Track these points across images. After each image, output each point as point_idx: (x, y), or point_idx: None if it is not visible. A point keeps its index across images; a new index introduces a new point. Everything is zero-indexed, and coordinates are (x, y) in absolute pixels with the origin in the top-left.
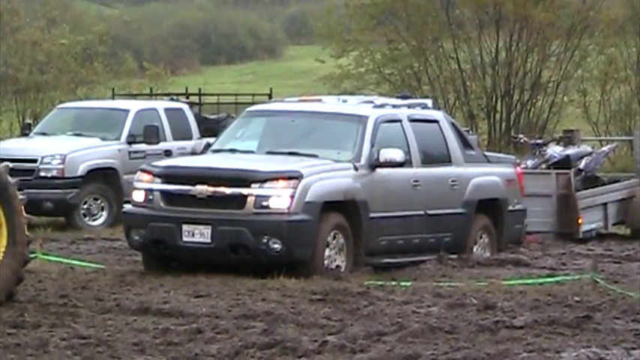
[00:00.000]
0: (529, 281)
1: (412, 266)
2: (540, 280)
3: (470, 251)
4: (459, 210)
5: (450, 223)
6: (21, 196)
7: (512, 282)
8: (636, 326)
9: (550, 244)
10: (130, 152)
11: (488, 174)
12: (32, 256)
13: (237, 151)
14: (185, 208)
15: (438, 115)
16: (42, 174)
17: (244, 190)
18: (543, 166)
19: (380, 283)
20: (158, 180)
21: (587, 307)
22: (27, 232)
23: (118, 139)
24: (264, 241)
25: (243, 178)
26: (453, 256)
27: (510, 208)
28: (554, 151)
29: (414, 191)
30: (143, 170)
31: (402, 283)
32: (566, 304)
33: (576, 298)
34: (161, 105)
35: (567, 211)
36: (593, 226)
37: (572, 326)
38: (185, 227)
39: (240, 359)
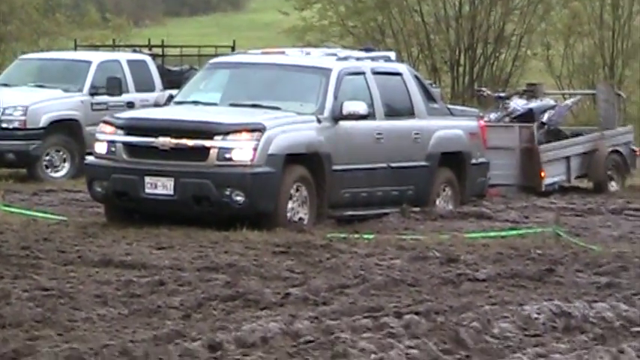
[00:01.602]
0: (492, 234)
1: (375, 219)
2: (503, 233)
3: (433, 204)
4: (422, 163)
5: (413, 175)
6: None
7: (474, 235)
8: (598, 279)
9: (513, 198)
10: (92, 104)
11: (451, 127)
12: None
13: (200, 103)
14: (148, 160)
15: (401, 67)
16: (4, 125)
17: (207, 143)
18: (506, 119)
19: (343, 235)
20: (121, 132)
21: (549, 261)
22: None
23: (81, 90)
24: (227, 193)
25: (205, 130)
26: (416, 209)
27: (473, 161)
28: (518, 104)
29: (377, 144)
30: (105, 122)
31: (365, 236)
32: (529, 258)
33: (539, 252)
34: (124, 56)
35: (530, 165)
36: (555, 179)
37: (535, 279)
38: (148, 179)
39: (203, 311)
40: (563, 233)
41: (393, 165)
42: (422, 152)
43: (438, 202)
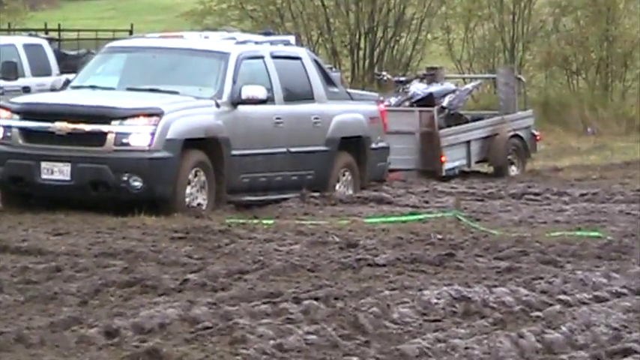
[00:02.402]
0: (392, 219)
1: (274, 204)
2: (403, 218)
3: (332, 189)
4: (322, 147)
5: (312, 160)
6: None
7: (374, 220)
8: (498, 264)
9: (413, 182)
10: None
11: (351, 111)
12: None
13: (98, 87)
14: (44, 145)
15: (301, 52)
16: None
17: (104, 127)
18: (407, 103)
19: (242, 221)
20: (16, 117)
21: (449, 245)
22: None
23: None
24: (125, 178)
25: (103, 115)
26: (316, 194)
27: (373, 145)
28: (418, 88)
29: (276, 129)
30: (1, 107)
31: (264, 221)
32: (429, 242)
33: (439, 236)
34: (19, 40)
35: (430, 149)
36: (456, 163)
37: (435, 264)
38: (44, 165)
39: (100, 297)
40: (463, 218)
41: (293, 150)
42: (321, 137)
43: (337, 187)
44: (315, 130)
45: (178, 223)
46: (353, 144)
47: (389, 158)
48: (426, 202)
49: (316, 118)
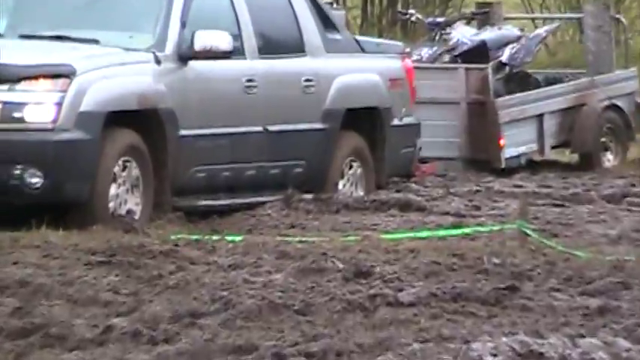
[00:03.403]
0: (423, 234)
1: (245, 211)
2: (441, 233)
3: (334, 188)
4: (317, 125)
5: (302, 144)
6: None
7: (397, 235)
8: (585, 302)
9: (456, 178)
10: None
11: (361, 70)
12: None
13: None
14: None
15: None
16: None
17: None
18: (446, 57)
19: (195, 237)
20: None
21: (511, 274)
22: None
23: None
24: (17, 172)
25: None
26: (308, 196)
27: (396, 122)
28: (463, 35)
29: (247, 96)
30: None
31: (229, 238)
32: (480, 270)
33: (495, 260)
34: None
35: (483, 127)
36: (522, 149)
37: (489, 302)
38: None
39: None
40: (532, 232)
41: (273, 128)
42: (316, 109)
43: (341, 186)
44: (307, 99)
45: (98, 240)
46: (364, 120)
47: (419, 141)
48: (476, 209)
49: (308, 81)
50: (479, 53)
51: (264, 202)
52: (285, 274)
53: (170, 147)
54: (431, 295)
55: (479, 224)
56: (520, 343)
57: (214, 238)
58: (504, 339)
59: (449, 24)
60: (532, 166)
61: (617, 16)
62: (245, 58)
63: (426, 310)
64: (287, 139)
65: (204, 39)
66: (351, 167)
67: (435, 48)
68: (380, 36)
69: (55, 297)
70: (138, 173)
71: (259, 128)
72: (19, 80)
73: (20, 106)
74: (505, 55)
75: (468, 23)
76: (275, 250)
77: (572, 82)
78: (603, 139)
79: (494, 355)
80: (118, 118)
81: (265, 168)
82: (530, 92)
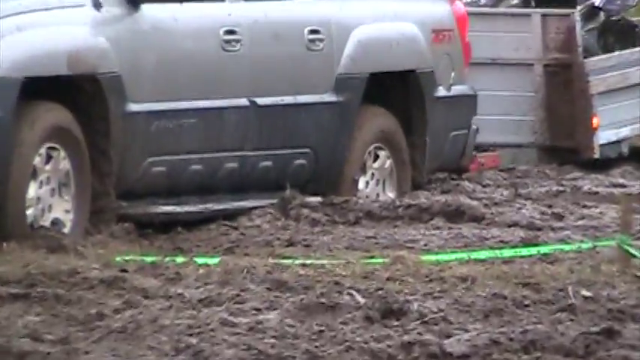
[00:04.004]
0: (482, 255)
1: (224, 222)
2: (507, 254)
3: (352, 188)
4: (328, 97)
5: (306, 125)
6: None
7: (443, 257)
8: None
9: (529, 173)
10: None
11: (391, 17)
12: None
13: None
14: None
15: None
16: None
17: None
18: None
19: (150, 259)
20: None
21: (608, 313)
22: None
23: None
24: None
25: None
26: (314, 200)
27: (442, 92)
28: None
29: (227, 56)
30: None
31: (201, 261)
32: (563, 307)
33: (585, 293)
34: None
35: (567, 101)
36: (623, 132)
37: (576, 354)
38: None
39: None
40: (637, 252)
41: (263, 102)
42: (326, 73)
43: (363, 185)
44: (313, 60)
45: (12, 264)
46: (396, 90)
47: (476, 121)
48: (558, 218)
49: (315, 33)
50: None
51: (251, 209)
52: (281, 313)
53: (114, 129)
54: (492, 344)
55: (561, 241)
56: None
57: (179, 260)
58: None
59: None
60: (636, 155)
61: None
62: (223, 0)
63: None
64: (284, 118)
65: None
66: (376, 158)
67: None
68: None
69: None
70: (68, 167)
71: (244, 102)
72: None
73: None
74: None
75: None
76: (267, 278)
77: None
78: None
79: None
80: (38, 88)
81: (252, 160)
82: (635, 49)
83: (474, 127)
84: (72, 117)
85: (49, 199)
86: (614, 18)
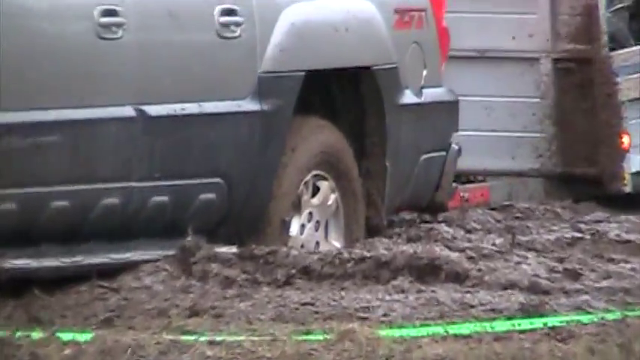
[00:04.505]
0: (465, 329)
1: (99, 281)
2: (501, 327)
3: (281, 232)
4: (247, 104)
5: (216, 145)
6: None
7: (411, 331)
8: None
9: (532, 212)
10: None
11: None
12: None
13: None
14: None
15: None
16: None
17: None
18: None
19: None
20: None
21: None
22: None
23: None
24: None
25: None
26: (228, 250)
27: (409, 98)
28: None
29: (104, 45)
30: None
31: (66, 337)
32: None
33: None
34: None
35: (586, 110)
36: None
37: None
38: None
39: None
40: None
41: (154, 111)
42: (245, 70)
43: (296, 228)
44: (227, 51)
45: None
46: (344, 95)
47: (457, 140)
48: (571, 276)
49: (230, 14)
50: None
51: (138, 264)
52: None
53: None
54: None
55: (578, 309)
56: None
57: (35, 336)
58: None
59: None
60: None
61: None
62: None
63: None
64: (184, 135)
65: None
66: (316, 191)
67: None
68: None
69: None
70: None
71: (128, 111)
72: None
73: None
74: None
75: None
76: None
77: None
78: None
79: None
80: None
81: (140, 193)
82: None
83: (454, 147)
84: None
85: None
86: None
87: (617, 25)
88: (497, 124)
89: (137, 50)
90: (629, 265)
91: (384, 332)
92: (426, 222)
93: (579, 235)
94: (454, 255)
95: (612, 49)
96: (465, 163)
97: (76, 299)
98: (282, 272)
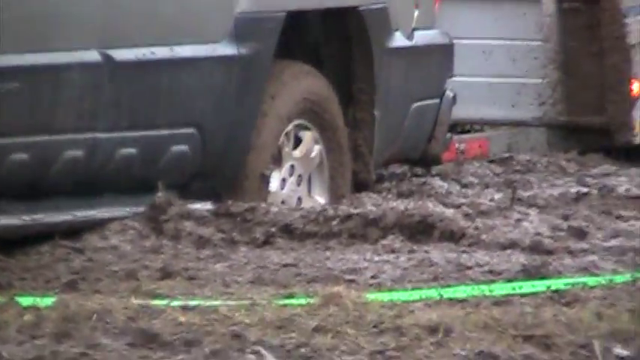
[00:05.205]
0: (461, 292)
1: (63, 241)
2: (501, 290)
3: (260, 188)
4: (222, 48)
5: (189, 91)
6: None
7: (402, 295)
8: None
9: (534, 166)
10: None
11: None
12: None
13: None
14: None
15: None
16: None
17: None
18: None
19: None
20: None
21: None
22: None
23: None
24: None
25: None
26: (203, 207)
27: (400, 41)
28: None
29: None
30: None
31: (26, 302)
32: None
33: (621, 352)
34: None
35: (593, 56)
36: None
37: None
38: None
39: None
40: None
41: (122, 56)
42: (220, 10)
43: (277, 183)
44: None
45: None
46: (328, 37)
47: (452, 87)
48: (577, 235)
49: None
50: None
51: (104, 222)
52: None
53: None
54: None
55: (584, 270)
56: None
57: None
58: None
59: None
60: None
61: None
62: None
63: None
64: (154, 81)
65: None
66: (298, 143)
67: None
68: None
69: None
70: None
71: (93, 55)
72: None
73: None
74: None
75: None
76: (128, 327)
77: None
78: None
79: None
80: None
81: (107, 145)
82: None
83: (449, 94)
84: None
85: None
86: None
87: None
88: (496, 69)
89: None
90: (639, 223)
91: (372, 296)
92: (418, 176)
93: (585, 190)
94: (449, 212)
95: None
96: (461, 112)
97: (36, 260)
98: (262, 231)
